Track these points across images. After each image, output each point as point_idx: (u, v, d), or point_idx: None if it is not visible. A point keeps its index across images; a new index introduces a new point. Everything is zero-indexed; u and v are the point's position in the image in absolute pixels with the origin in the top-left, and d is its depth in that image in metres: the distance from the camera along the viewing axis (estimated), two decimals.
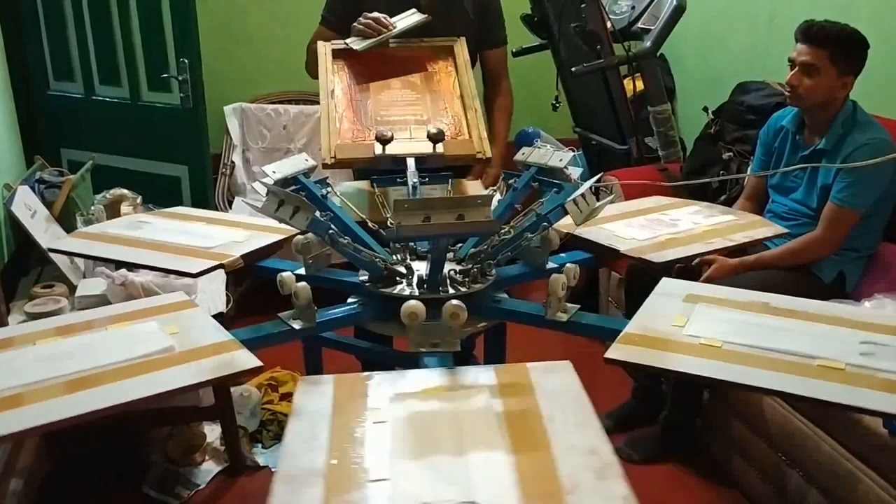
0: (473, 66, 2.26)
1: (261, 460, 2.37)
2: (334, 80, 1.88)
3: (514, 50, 3.43)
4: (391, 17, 2.02)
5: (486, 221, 1.30)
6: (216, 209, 3.29)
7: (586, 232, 1.59)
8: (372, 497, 0.89)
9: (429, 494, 0.88)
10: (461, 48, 1.98)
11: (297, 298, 1.32)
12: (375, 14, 1.99)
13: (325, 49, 1.94)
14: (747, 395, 2.13)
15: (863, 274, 2.31)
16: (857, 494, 1.75)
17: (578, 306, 1.37)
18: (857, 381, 1.05)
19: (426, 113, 1.83)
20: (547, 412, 1.03)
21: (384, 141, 1.64)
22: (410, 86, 1.92)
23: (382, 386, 1.12)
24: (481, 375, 1.14)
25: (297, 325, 1.34)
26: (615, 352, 1.14)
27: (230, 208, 3.38)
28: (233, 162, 3.56)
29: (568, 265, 1.41)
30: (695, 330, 1.19)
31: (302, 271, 1.51)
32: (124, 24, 3.03)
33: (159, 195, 2.83)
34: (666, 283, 1.39)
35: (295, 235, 1.51)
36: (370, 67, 1.94)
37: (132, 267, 1.61)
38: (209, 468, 2.32)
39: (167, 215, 1.79)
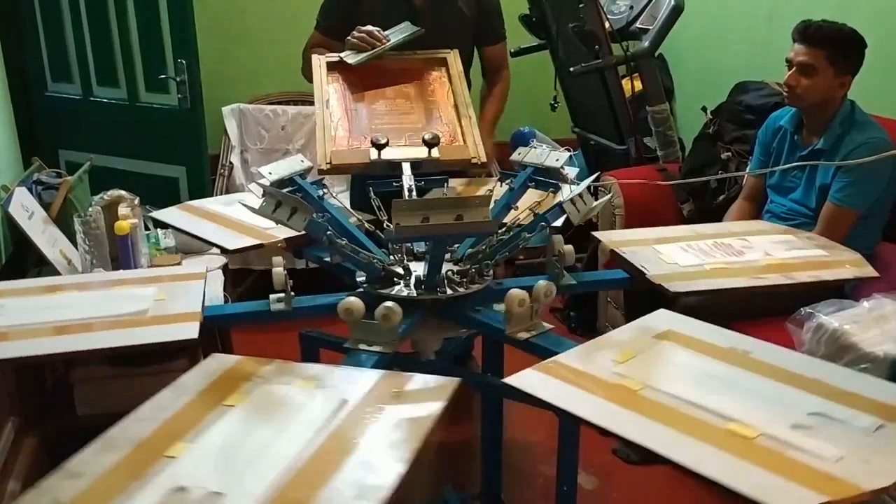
0: (472, 63, 2.26)
1: None
2: (329, 90, 1.89)
3: (512, 50, 3.42)
4: (385, 26, 2.02)
5: (485, 222, 1.30)
6: None
7: (629, 251, 1.52)
8: (149, 474, 0.92)
9: (189, 479, 0.91)
10: (454, 59, 1.99)
11: (274, 282, 1.36)
12: (369, 28, 1.99)
13: (319, 62, 1.95)
14: None
15: None
16: None
17: (550, 327, 1.31)
18: (754, 455, 0.93)
19: (421, 121, 1.84)
20: (377, 425, 1.01)
21: (379, 146, 1.65)
22: (405, 96, 1.93)
23: (270, 374, 1.14)
24: (362, 379, 1.12)
25: (275, 308, 1.36)
26: (516, 378, 1.09)
27: None
28: (231, 163, 3.56)
29: (540, 282, 1.34)
30: (627, 370, 1.12)
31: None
32: (122, 25, 3.02)
33: (157, 196, 2.82)
34: (659, 315, 1.29)
35: None
36: (364, 79, 1.96)
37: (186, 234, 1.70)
38: None
39: None
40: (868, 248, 2.31)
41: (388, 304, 1.25)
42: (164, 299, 1.34)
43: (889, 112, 2.49)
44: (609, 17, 3.27)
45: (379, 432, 0.99)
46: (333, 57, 2.00)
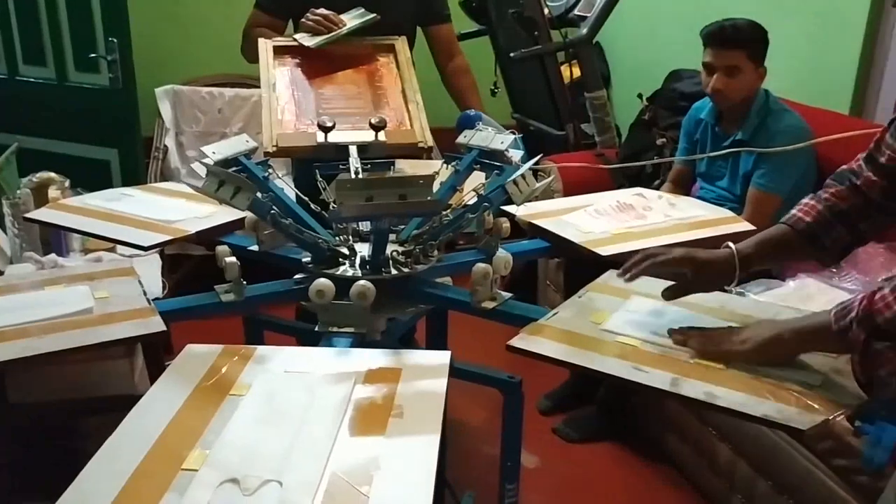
0: (415, 44, 2.26)
1: None
2: (275, 73, 1.86)
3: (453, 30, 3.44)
4: (332, 7, 2.00)
5: (429, 202, 1.30)
6: None
7: (547, 222, 1.60)
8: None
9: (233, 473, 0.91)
10: (403, 46, 1.99)
11: (226, 272, 1.33)
12: (324, 11, 1.97)
13: (266, 46, 1.92)
14: None
15: None
16: (782, 462, 1.83)
17: (510, 295, 1.36)
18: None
19: (368, 106, 1.84)
20: (392, 401, 1.04)
21: (326, 129, 1.63)
22: (352, 81, 1.91)
23: (261, 361, 1.14)
24: (361, 358, 1.15)
25: (226, 298, 1.34)
26: (520, 340, 1.17)
27: None
28: (165, 146, 3.47)
29: (499, 254, 1.39)
30: (612, 327, 1.20)
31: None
32: (49, 2, 2.91)
33: (88, 179, 2.74)
34: (610, 275, 1.38)
35: None
36: (312, 63, 1.93)
37: (89, 236, 1.66)
38: None
39: (152, 189, 1.84)
40: None
41: (363, 282, 1.25)
42: (109, 297, 1.31)
43: (820, 101, 2.60)
44: (548, 3, 3.31)
45: (399, 409, 1.01)
46: (280, 41, 1.97)
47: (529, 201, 1.52)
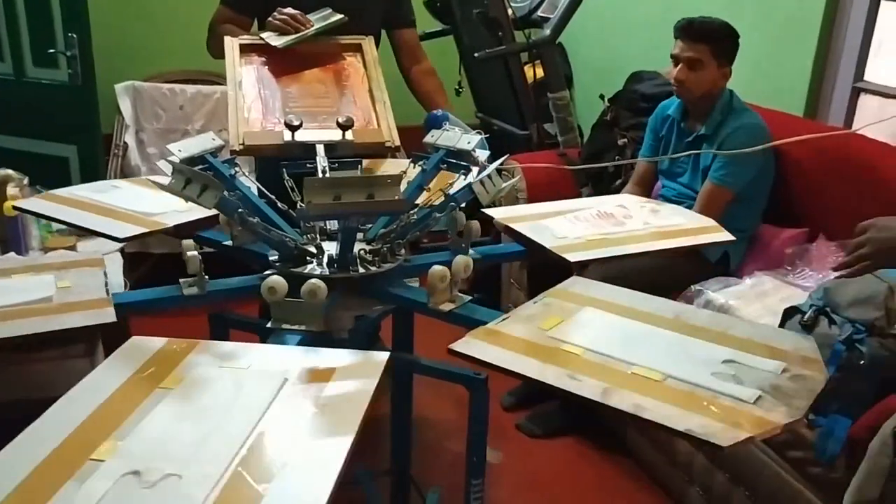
0: (380, 45, 2.27)
1: None
2: (242, 72, 1.86)
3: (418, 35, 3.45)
4: (299, 5, 2.00)
5: (396, 201, 1.32)
6: None
7: (523, 227, 1.59)
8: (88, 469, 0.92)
9: (140, 464, 0.92)
10: (370, 46, 2.00)
11: (188, 266, 1.34)
12: (291, 10, 1.96)
13: (232, 44, 1.91)
14: None
15: (745, 253, 2.47)
16: (738, 455, 1.89)
17: (469, 298, 1.36)
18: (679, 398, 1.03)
19: (335, 105, 1.84)
20: (317, 402, 1.04)
21: (293, 128, 1.63)
22: (320, 80, 1.92)
23: (200, 355, 1.14)
24: (296, 357, 1.15)
25: (188, 292, 1.34)
26: (461, 344, 1.16)
27: None
28: (125, 143, 3.42)
29: (459, 257, 1.39)
30: (559, 334, 1.20)
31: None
32: None
33: (47, 176, 2.70)
34: (573, 281, 1.38)
35: None
36: (279, 62, 1.93)
37: (67, 225, 1.66)
38: None
39: (141, 182, 1.83)
40: (750, 229, 2.49)
41: (314, 280, 1.26)
42: (70, 287, 1.31)
43: (776, 103, 2.68)
44: (512, 4, 3.34)
45: (321, 410, 1.01)
46: (247, 39, 1.96)
47: (495, 201, 1.54)
